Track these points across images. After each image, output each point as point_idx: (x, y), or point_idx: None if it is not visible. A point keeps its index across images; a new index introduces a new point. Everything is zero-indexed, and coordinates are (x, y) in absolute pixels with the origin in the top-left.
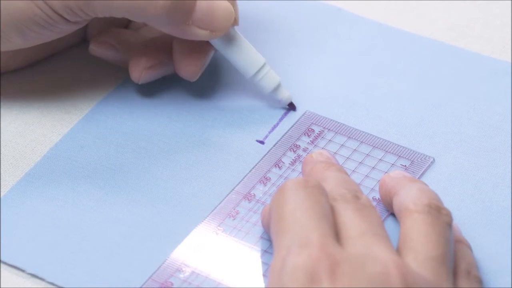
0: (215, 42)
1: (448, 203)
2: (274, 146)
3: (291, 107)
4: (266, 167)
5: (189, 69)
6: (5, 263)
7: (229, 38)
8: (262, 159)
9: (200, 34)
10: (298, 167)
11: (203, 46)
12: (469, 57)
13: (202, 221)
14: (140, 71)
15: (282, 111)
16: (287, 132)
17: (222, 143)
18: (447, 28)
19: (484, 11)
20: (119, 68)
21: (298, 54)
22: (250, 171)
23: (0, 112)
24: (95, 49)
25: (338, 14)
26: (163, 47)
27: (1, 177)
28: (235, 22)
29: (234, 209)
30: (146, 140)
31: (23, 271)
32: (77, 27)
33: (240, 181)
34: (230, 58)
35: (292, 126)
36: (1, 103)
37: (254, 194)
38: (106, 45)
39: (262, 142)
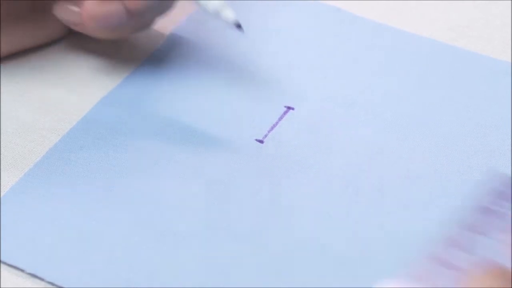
0: None
1: (447, 203)
2: None
3: (239, 29)
4: None
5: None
6: (5, 263)
7: None
8: None
9: None
10: None
11: None
12: (469, 57)
13: None
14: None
15: (282, 110)
16: None
17: (221, 142)
18: (447, 28)
19: (484, 11)
20: (119, 68)
21: (297, 54)
22: None
23: (0, 112)
24: (57, 9)
25: (337, 14)
26: None
27: (1, 177)
28: None
29: None
30: (146, 140)
31: (23, 271)
32: None
33: None
34: None
35: None
36: (1, 103)
37: None
38: (69, 4)
39: (261, 142)
